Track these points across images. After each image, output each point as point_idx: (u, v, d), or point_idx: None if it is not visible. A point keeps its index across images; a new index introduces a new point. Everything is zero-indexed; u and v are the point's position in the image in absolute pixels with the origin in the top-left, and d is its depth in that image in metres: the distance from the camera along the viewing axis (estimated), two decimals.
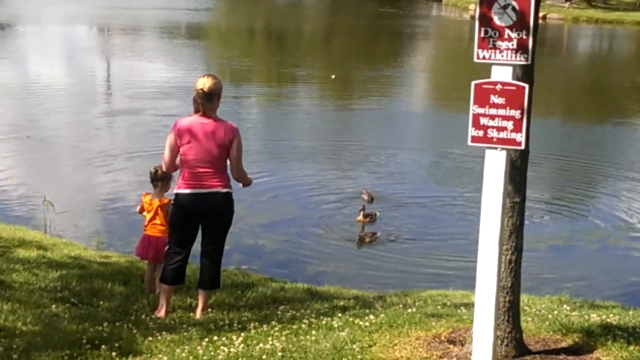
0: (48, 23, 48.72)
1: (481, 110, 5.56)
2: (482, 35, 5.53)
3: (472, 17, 60.18)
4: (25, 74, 30.75)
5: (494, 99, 5.52)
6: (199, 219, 7.69)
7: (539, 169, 17.36)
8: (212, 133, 7.49)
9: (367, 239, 13.37)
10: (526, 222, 6.31)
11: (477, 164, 15.61)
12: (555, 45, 48.68)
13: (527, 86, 5.49)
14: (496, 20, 5.48)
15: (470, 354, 5.85)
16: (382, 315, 7.44)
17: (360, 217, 14.10)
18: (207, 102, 7.49)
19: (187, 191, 7.58)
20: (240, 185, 7.93)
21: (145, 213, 8.56)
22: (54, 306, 7.69)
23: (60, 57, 36.09)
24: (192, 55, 38.01)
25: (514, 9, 5.43)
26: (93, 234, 13.19)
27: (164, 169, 7.83)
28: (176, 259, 7.77)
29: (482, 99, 5.55)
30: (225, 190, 7.61)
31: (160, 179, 8.41)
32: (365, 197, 15.14)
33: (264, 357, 6.26)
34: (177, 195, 7.69)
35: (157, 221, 8.43)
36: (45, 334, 6.84)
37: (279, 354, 6.32)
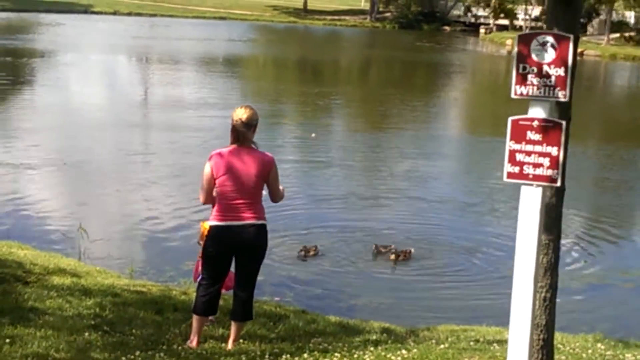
0: (88, 52, 49.29)
1: (517, 147, 5.54)
2: (520, 71, 5.52)
3: (509, 53, 60.26)
4: (64, 102, 31.09)
5: (531, 135, 5.50)
6: (232, 251, 7.69)
7: (572, 204, 17.23)
8: (249, 164, 7.51)
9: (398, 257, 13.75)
10: (560, 259, 6.25)
11: (513, 196, 15.54)
12: (592, 79, 48.50)
13: (564, 123, 5.46)
14: (534, 57, 5.47)
15: None
16: (415, 350, 7.40)
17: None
18: (246, 130, 7.52)
19: (222, 223, 7.59)
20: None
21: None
22: (87, 334, 7.72)
23: (98, 84, 36.50)
24: (229, 84, 38.29)
25: (552, 45, 5.42)
26: (126, 262, 13.23)
27: (201, 200, 7.82)
28: (209, 290, 7.78)
29: (519, 135, 5.54)
30: (260, 222, 7.61)
31: None
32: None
33: None
34: (211, 227, 7.71)
35: None
36: None
37: None
